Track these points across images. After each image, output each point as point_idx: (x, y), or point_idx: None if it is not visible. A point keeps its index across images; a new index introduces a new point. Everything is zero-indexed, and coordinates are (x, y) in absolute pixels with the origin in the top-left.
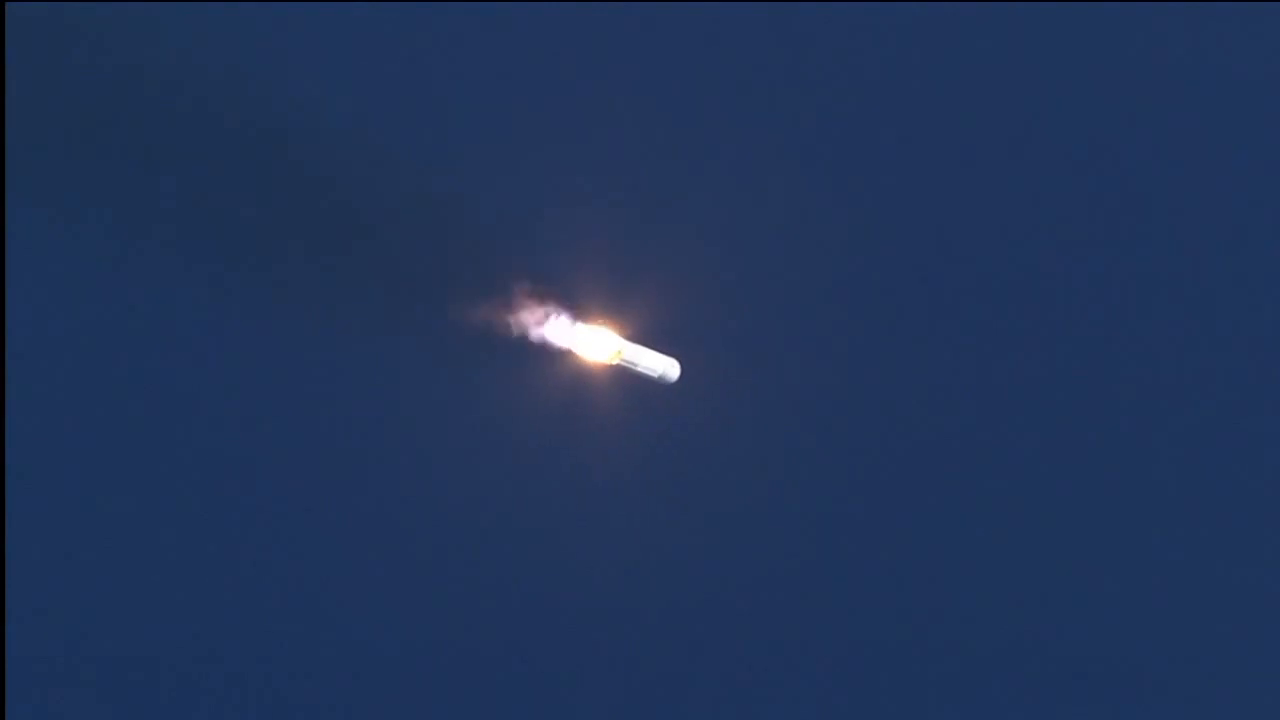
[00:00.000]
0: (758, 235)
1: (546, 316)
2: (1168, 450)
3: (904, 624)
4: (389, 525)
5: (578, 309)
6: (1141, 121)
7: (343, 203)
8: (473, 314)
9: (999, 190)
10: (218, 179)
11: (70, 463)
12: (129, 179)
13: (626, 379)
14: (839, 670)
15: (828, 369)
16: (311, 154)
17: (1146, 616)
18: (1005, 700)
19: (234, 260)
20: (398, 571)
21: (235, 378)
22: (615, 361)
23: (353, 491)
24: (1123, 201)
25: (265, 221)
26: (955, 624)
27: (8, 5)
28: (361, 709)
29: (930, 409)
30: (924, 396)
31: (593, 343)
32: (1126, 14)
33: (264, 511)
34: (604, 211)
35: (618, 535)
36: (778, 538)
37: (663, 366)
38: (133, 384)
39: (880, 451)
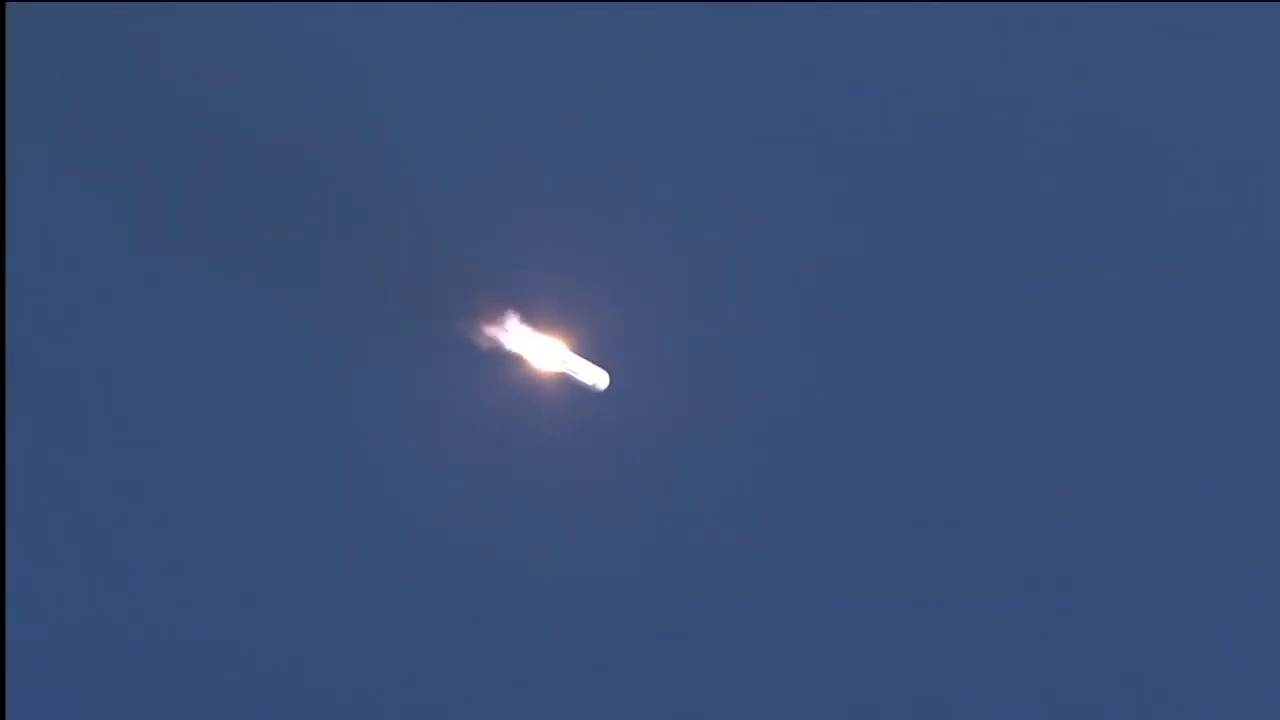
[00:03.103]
0: (716, 244)
1: (503, 322)
2: (1162, 460)
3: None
4: (348, 526)
5: (532, 316)
6: (1141, 122)
7: (315, 206)
8: (433, 318)
9: (978, 194)
10: (212, 181)
11: (69, 462)
12: (130, 180)
13: (566, 385)
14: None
15: (779, 378)
16: (287, 157)
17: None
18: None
19: (214, 260)
20: (355, 575)
21: (215, 376)
22: (560, 370)
23: (313, 492)
24: (1118, 207)
25: (242, 224)
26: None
27: (8, 5)
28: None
29: (905, 424)
30: (895, 411)
31: (542, 350)
32: (1127, 14)
33: (231, 512)
34: (564, 219)
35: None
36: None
37: (595, 377)
38: (131, 388)
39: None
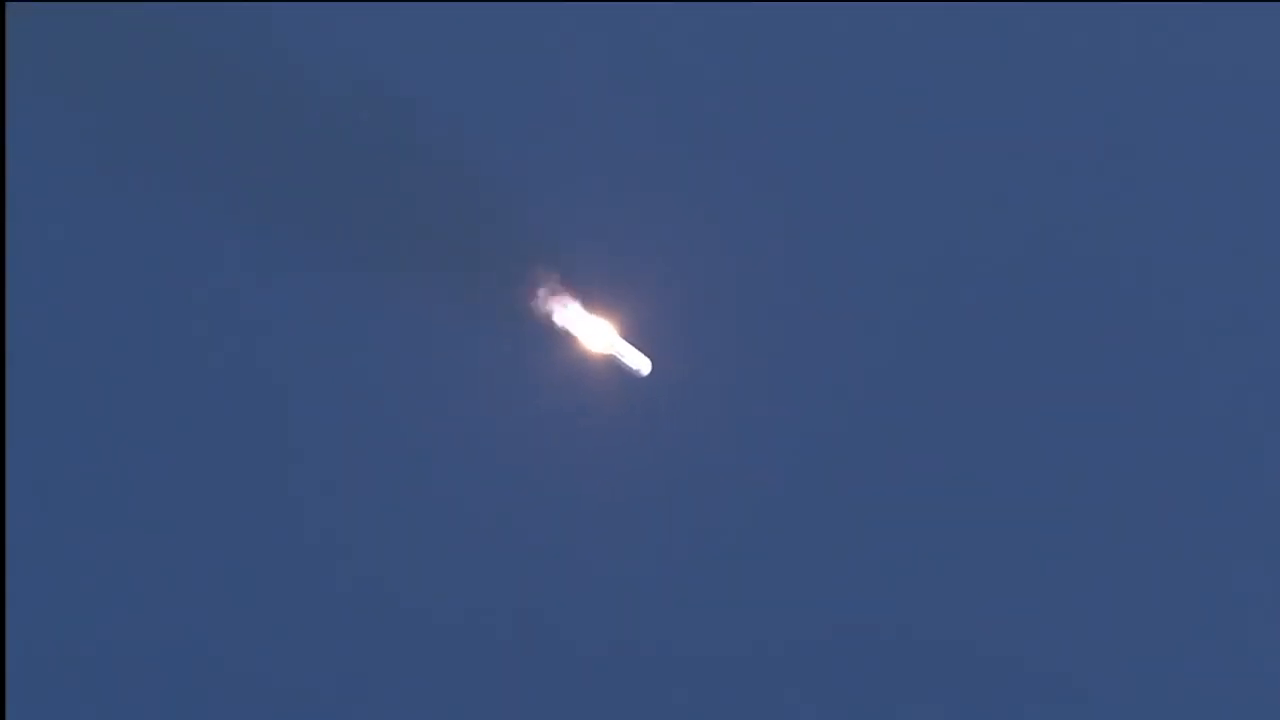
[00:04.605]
0: (767, 240)
1: (558, 301)
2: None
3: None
4: (379, 499)
5: (586, 298)
6: (1142, 122)
7: (374, 182)
8: (490, 290)
9: (1001, 193)
10: (221, 177)
11: (75, 450)
12: (131, 177)
13: (610, 368)
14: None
15: (819, 374)
16: (333, 133)
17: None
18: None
19: (260, 229)
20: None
21: (254, 346)
22: (607, 352)
23: (346, 465)
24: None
25: (289, 196)
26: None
27: (8, 5)
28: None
29: (926, 419)
30: (920, 409)
31: (590, 332)
32: (1126, 14)
33: (244, 492)
34: (625, 207)
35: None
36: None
37: (638, 362)
38: (182, 360)
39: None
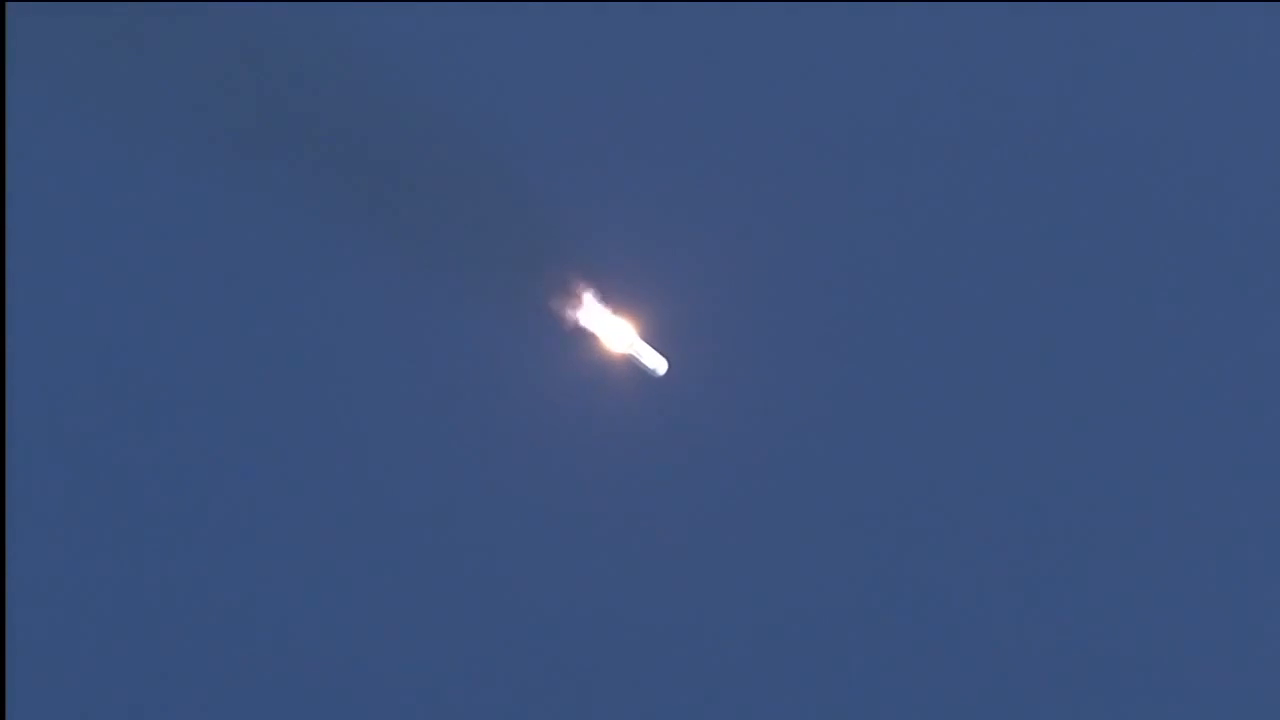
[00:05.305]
0: (790, 246)
1: (583, 301)
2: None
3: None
4: (390, 489)
5: (609, 298)
6: (1142, 121)
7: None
8: (512, 284)
9: (1007, 194)
10: (229, 177)
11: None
12: (132, 177)
13: (628, 367)
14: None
15: (830, 376)
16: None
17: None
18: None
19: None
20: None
21: (269, 336)
22: (626, 352)
23: (360, 456)
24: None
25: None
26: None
27: (8, 5)
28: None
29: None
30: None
31: (613, 332)
32: (1127, 14)
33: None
34: (648, 207)
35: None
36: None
37: (655, 362)
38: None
39: (876, 459)
